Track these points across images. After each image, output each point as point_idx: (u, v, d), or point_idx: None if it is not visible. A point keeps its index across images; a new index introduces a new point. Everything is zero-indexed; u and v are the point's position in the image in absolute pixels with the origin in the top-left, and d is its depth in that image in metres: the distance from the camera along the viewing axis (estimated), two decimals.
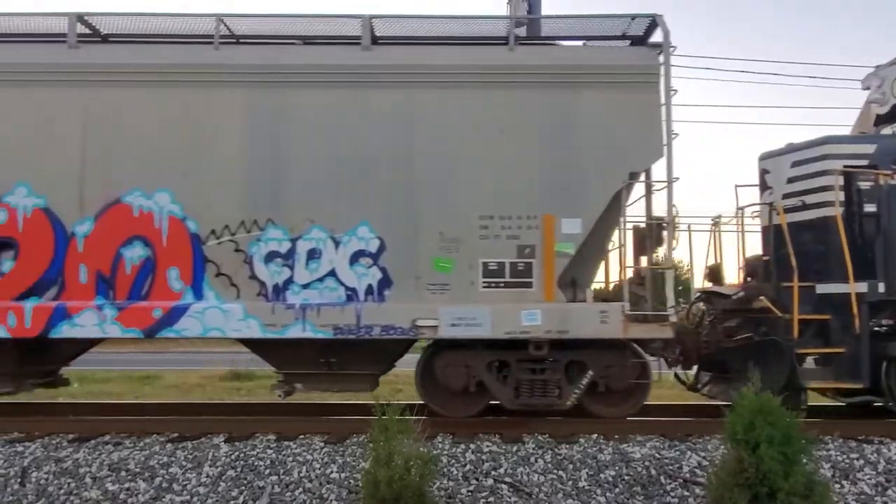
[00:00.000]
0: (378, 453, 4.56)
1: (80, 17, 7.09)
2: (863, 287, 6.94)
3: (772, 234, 7.45)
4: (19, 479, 5.63)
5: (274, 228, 6.80)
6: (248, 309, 6.71)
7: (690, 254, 8.40)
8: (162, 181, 6.79)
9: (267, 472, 5.68)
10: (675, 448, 6.16)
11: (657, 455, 5.97)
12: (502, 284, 6.80)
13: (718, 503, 4.53)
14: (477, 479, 5.56)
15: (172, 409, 8.35)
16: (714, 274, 8.36)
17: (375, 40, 7.18)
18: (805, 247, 7.25)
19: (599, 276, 7.58)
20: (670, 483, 5.54)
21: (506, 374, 7.00)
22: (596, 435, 6.59)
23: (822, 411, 7.56)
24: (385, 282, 6.80)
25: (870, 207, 7.28)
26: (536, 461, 5.87)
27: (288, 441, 6.38)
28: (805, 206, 7.52)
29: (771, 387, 6.87)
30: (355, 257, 6.80)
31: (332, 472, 5.66)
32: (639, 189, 7.38)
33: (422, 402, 7.43)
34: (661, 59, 6.98)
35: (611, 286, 8.00)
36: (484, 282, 6.80)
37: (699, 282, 8.49)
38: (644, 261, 7.43)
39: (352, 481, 5.46)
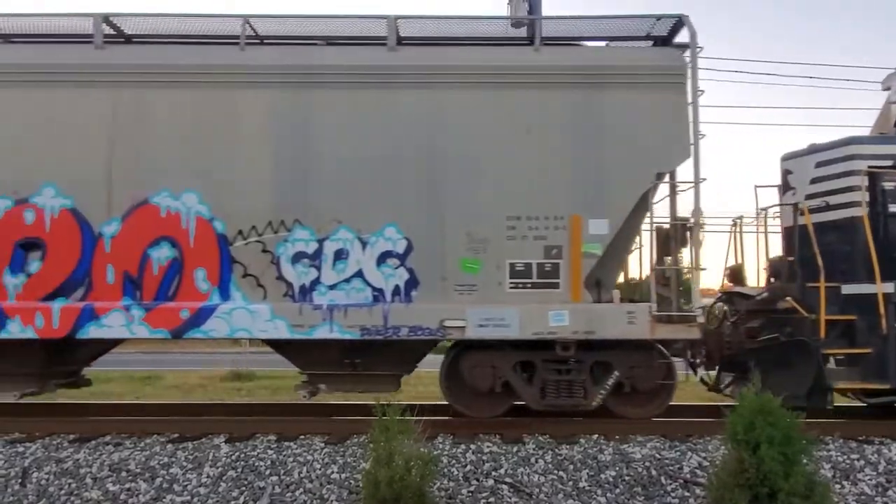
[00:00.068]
0: (378, 454, 4.57)
1: (106, 18, 7.09)
2: (889, 287, 6.93)
3: (796, 235, 7.43)
4: (20, 480, 5.63)
5: (301, 229, 6.80)
6: (276, 310, 6.71)
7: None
8: (189, 182, 6.79)
9: (267, 472, 5.70)
10: (675, 448, 6.18)
11: (658, 455, 5.98)
12: (529, 285, 6.80)
13: (719, 503, 4.54)
14: (477, 480, 5.58)
15: (173, 409, 8.37)
16: (735, 275, 8.35)
17: (400, 41, 7.17)
18: (830, 247, 7.24)
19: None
20: (671, 483, 5.56)
21: (531, 374, 7.01)
22: (596, 435, 6.60)
23: (822, 412, 7.55)
24: (412, 282, 6.80)
25: (894, 208, 7.28)
26: (537, 461, 5.89)
27: (288, 441, 6.40)
28: (829, 207, 7.51)
29: (797, 387, 6.99)
30: (382, 258, 6.80)
31: (332, 472, 5.67)
32: (662, 189, 7.39)
33: (445, 402, 7.50)
34: (688, 59, 6.97)
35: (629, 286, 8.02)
36: (511, 282, 6.80)
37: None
38: (668, 261, 7.43)
39: (352, 482, 5.47)
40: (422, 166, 6.84)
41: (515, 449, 6.13)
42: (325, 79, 6.91)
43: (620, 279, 7.64)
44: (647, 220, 7.12)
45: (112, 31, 7.27)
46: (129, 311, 6.70)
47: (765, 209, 8.03)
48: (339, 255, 6.80)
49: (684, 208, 7.37)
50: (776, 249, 8.33)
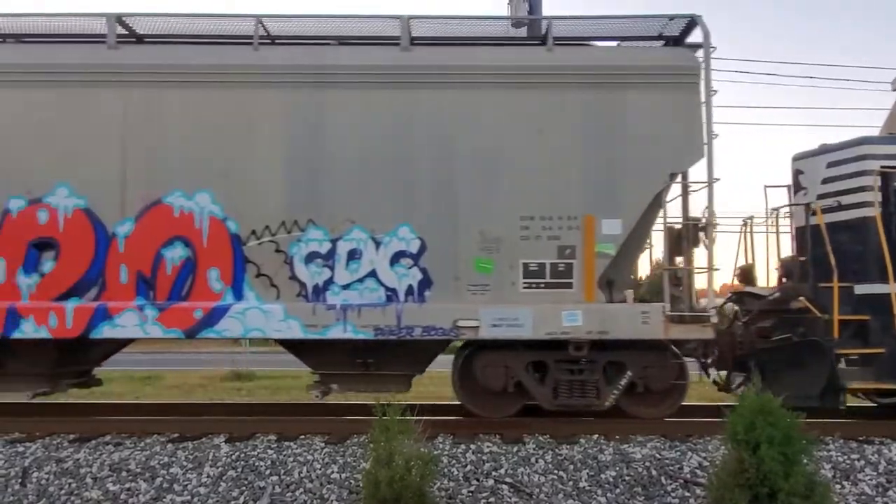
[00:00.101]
0: (379, 453, 4.57)
1: (119, 18, 7.09)
2: None
3: (808, 235, 7.44)
4: (20, 480, 5.63)
5: (314, 229, 6.80)
6: (289, 310, 6.71)
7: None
8: (203, 182, 6.79)
9: (267, 472, 5.69)
10: (675, 448, 6.17)
11: (658, 455, 5.98)
12: (543, 285, 6.80)
13: (719, 503, 4.53)
14: (477, 480, 5.58)
15: (173, 409, 8.36)
16: (746, 275, 8.35)
17: (413, 41, 7.17)
18: (842, 247, 7.23)
19: None
20: (671, 483, 5.55)
21: (543, 374, 7.00)
22: (596, 435, 6.60)
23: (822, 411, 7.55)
24: (425, 282, 6.79)
25: None
26: (537, 461, 5.89)
27: (288, 441, 6.39)
28: (841, 207, 7.51)
29: (810, 387, 6.99)
30: (396, 258, 6.80)
31: (332, 472, 5.67)
32: (674, 189, 7.38)
33: (459, 402, 7.51)
34: (701, 58, 6.97)
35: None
36: (524, 282, 6.80)
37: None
38: (680, 261, 7.42)
39: (352, 482, 5.47)
40: (435, 166, 6.84)
41: (515, 449, 6.14)
42: (338, 78, 6.90)
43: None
44: (658, 220, 7.14)
45: (124, 31, 7.27)
46: (142, 311, 6.71)
47: (776, 209, 8.03)
48: (353, 255, 6.80)
49: (695, 208, 7.39)
50: (785, 249, 8.36)
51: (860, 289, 7.16)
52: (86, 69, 6.90)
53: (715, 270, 6.91)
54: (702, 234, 7.12)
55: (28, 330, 6.66)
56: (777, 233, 8.05)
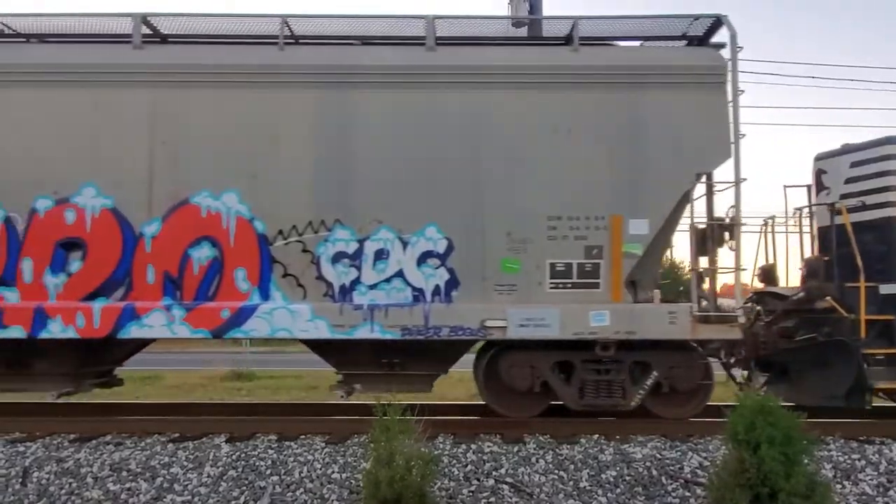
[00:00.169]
0: (379, 453, 4.57)
1: (144, 18, 7.09)
2: None
3: (833, 235, 7.44)
4: (21, 479, 5.63)
5: (341, 229, 6.80)
6: (316, 310, 6.70)
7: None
8: (230, 182, 6.78)
9: (268, 472, 5.70)
10: (676, 448, 6.18)
11: (658, 455, 5.98)
12: (570, 285, 6.80)
13: (720, 503, 4.54)
14: (478, 480, 5.58)
15: (174, 409, 8.35)
16: (767, 275, 8.35)
17: (438, 41, 7.17)
18: (867, 247, 7.24)
19: None
20: (671, 483, 5.56)
21: (569, 374, 7.00)
22: (597, 435, 6.61)
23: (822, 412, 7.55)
24: (452, 282, 6.79)
25: None
26: (537, 461, 5.89)
27: (289, 441, 6.39)
28: (865, 207, 7.52)
29: (836, 387, 6.99)
30: (423, 258, 6.79)
31: (333, 472, 5.67)
32: (697, 189, 7.37)
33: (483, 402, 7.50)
34: (728, 58, 6.97)
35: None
36: (551, 282, 6.80)
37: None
38: (704, 261, 7.42)
39: (353, 481, 5.47)
40: (462, 166, 6.83)
41: (516, 449, 6.14)
42: (365, 78, 6.90)
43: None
44: (683, 220, 7.14)
45: (148, 31, 7.27)
46: (169, 311, 6.70)
47: (799, 209, 8.03)
48: (380, 255, 6.79)
49: (718, 208, 7.39)
50: (805, 249, 8.35)
51: (885, 288, 7.17)
52: (112, 69, 6.90)
53: (742, 270, 6.89)
54: (726, 234, 7.13)
55: (55, 330, 6.66)
56: (801, 233, 8.05)
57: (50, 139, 6.82)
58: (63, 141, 6.82)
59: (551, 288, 6.80)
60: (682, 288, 7.61)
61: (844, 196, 7.68)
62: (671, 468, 5.75)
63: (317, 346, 7.26)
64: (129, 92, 6.87)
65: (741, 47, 6.91)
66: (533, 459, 5.91)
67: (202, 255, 6.77)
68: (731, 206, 7.12)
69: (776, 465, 4.27)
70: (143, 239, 6.77)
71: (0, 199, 6.76)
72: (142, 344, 7.71)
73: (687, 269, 7.04)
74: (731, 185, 6.92)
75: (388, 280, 6.79)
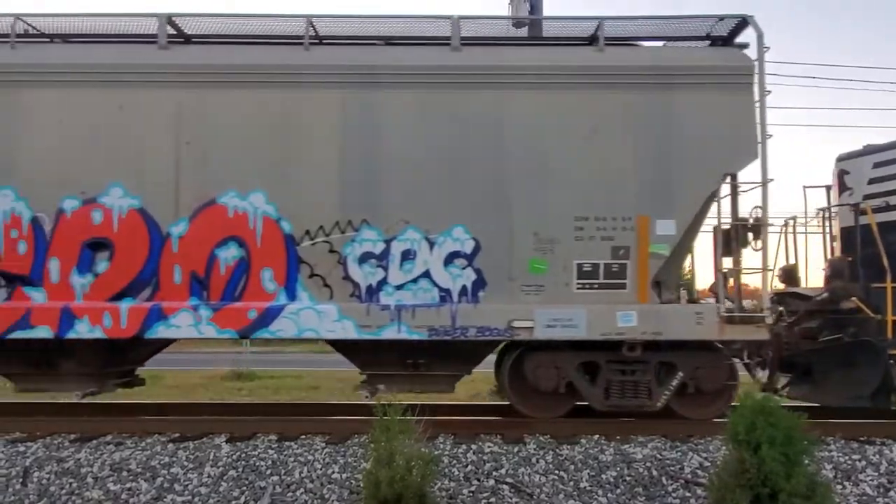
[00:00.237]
0: (379, 453, 4.57)
1: (170, 19, 7.08)
2: None
3: (858, 235, 7.44)
4: (21, 479, 5.63)
5: (368, 229, 6.79)
6: (343, 310, 6.70)
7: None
8: (256, 182, 6.78)
9: (268, 472, 5.69)
10: (676, 449, 6.18)
11: (659, 456, 5.98)
12: (596, 286, 6.79)
13: None
14: (478, 480, 5.57)
15: (174, 409, 8.34)
16: (789, 275, 8.35)
17: (463, 41, 7.16)
18: (891, 247, 7.23)
19: None
20: (672, 484, 5.55)
21: (594, 375, 7.00)
22: (597, 436, 6.61)
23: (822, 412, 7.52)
24: (479, 283, 6.79)
25: None
26: (538, 462, 5.89)
27: (289, 441, 6.38)
28: (889, 207, 7.52)
29: (861, 388, 6.99)
30: (450, 258, 6.79)
31: (333, 472, 5.66)
32: (722, 189, 7.36)
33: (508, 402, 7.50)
34: (755, 59, 6.96)
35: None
36: (578, 283, 6.79)
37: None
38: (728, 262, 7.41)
39: (353, 482, 5.46)
40: (489, 167, 6.83)
41: (516, 449, 6.14)
42: (391, 78, 6.89)
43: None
44: (707, 221, 7.13)
45: (173, 32, 7.27)
46: (196, 311, 6.70)
47: (822, 209, 8.03)
48: (407, 256, 6.79)
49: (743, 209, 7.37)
50: (819, 250, 8.37)
51: None
52: (138, 69, 6.90)
53: (769, 271, 6.89)
54: (750, 235, 7.13)
55: (82, 330, 6.66)
56: (824, 234, 8.05)
57: (76, 139, 6.82)
58: (90, 141, 6.81)
59: (578, 288, 6.79)
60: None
61: (868, 196, 7.68)
62: (672, 468, 5.75)
63: (342, 346, 7.26)
64: (155, 92, 6.87)
65: (768, 47, 6.91)
66: (533, 460, 5.92)
67: (229, 255, 6.77)
68: (755, 207, 7.13)
69: (777, 465, 4.27)
70: (169, 239, 6.76)
71: (27, 200, 6.77)
72: (163, 344, 7.71)
73: (718, 268, 6.98)
74: (757, 185, 6.91)
75: (414, 280, 6.79)
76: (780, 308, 8.02)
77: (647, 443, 6.36)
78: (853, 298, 7.14)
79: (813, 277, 8.47)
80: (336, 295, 6.78)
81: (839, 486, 5.51)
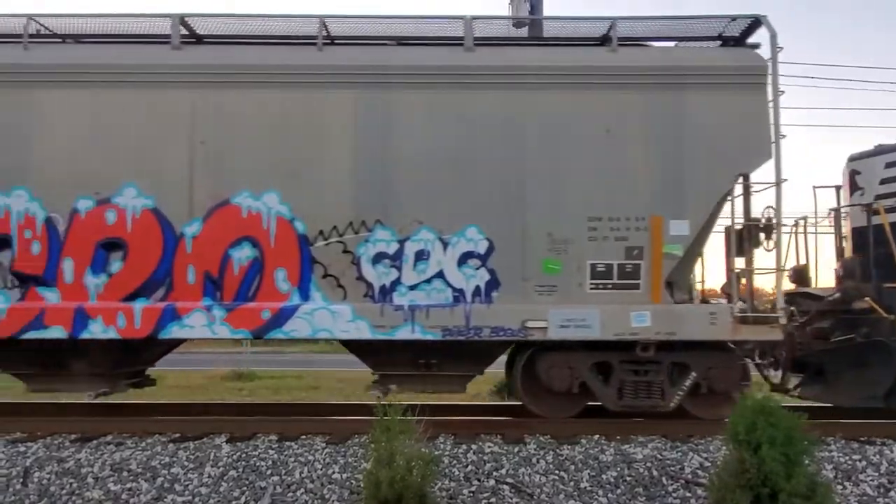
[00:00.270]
0: (379, 454, 4.56)
1: (182, 19, 7.08)
2: None
3: (870, 235, 7.44)
4: (22, 479, 5.62)
5: (382, 229, 6.79)
6: (357, 310, 6.70)
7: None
8: (270, 182, 6.78)
9: (269, 472, 5.68)
10: (676, 449, 6.17)
11: (659, 456, 5.98)
12: (610, 286, 6.79)
13: None
14: (479, 480, 5.57)
15: (174, 409, 8.34)
16: (800, 275, 8.35)
17: (476, 41, 7.16)
18: None
19: None
20: (672, 484, 5.55)
21: (607, 375, 7.00)
22: (598, 436, 6.61)
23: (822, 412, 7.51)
24: (493, 283, 6.79)
25: None
26: (538, 462, 5.89)
27: (289, 441, 6.37)
28: None
29: (875, 388, 6.99)
30: (464, 258, 6.79)
31: (333, 472, 5.66)
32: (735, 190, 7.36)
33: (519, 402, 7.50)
34: (768, 59, 6.96)
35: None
36: (591, 283, 6.79)
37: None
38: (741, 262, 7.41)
39: (353, 482, 5.45)
40: (502, 167, 6.83)
41: (517, 449, 6.13)
42: (404, 79, 6.89)
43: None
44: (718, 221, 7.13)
45: (186, 32, 7.27)
46: (210, 312, 6.70)
47: (834, 209, 8.03)
48: (420, 256, 6.79)
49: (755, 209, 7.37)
50: (828, 250, 8.37)
51: None
52: (152, 69, 6.90)
53: (783, 271, 6.89)
54: (762, 235, 7.13)
55: (96, 330, 6.66)
56: (836, 234, 8.05)
57: (90, 140, 6.82)
58: (103, 141, 6.81)
59: (591, 289, 6.79)
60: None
61: (880, 196, 7.70)
62: (672, 469, 5.75)
63: (355, 346, 7.26)
64: (168, 92, 6.87)
65: (781, 47, 6.91)
66: (533, 460, 5.91)
67: (243, 255, 6.77)
68: (767, 207, 7.13)
69: (777, 465, 4.26)
70: (183, 239, 6.76)
71: (41, 200, 6.77)
72: (175, 344, 7.71)
73: (732, 269, 6.97)
74: (771, 185, 6.91)
75: (428, 281, 6.79)
76: (792, 308, 8.04)
77: (647, 443, 6.37)
78: (866, 298, 7.14)
79: (823, 277, 8.49)
80: (350, 295, 6.78)
81: (839, 487, 5.51)
